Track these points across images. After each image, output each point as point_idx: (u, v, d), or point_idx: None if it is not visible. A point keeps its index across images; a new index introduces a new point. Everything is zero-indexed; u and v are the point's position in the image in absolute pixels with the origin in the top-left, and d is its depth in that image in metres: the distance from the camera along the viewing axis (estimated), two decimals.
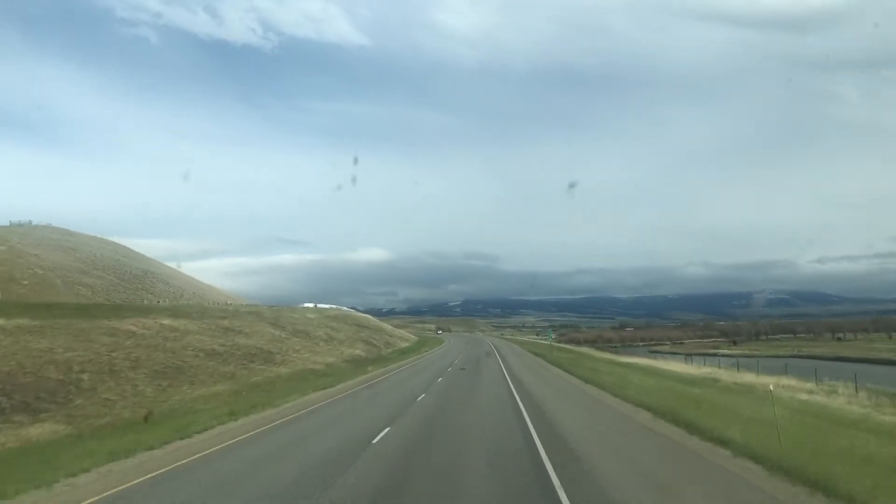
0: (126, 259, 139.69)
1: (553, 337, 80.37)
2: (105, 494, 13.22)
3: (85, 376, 35.94)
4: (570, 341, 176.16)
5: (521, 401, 26.82)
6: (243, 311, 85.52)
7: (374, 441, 18.10)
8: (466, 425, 20.72)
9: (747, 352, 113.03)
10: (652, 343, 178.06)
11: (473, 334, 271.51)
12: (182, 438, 20.41)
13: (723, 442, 16.04)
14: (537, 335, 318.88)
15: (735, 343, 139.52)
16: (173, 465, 16.00)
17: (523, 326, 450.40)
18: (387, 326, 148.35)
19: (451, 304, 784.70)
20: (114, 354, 41.39)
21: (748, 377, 42.38)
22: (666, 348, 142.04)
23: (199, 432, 21.71)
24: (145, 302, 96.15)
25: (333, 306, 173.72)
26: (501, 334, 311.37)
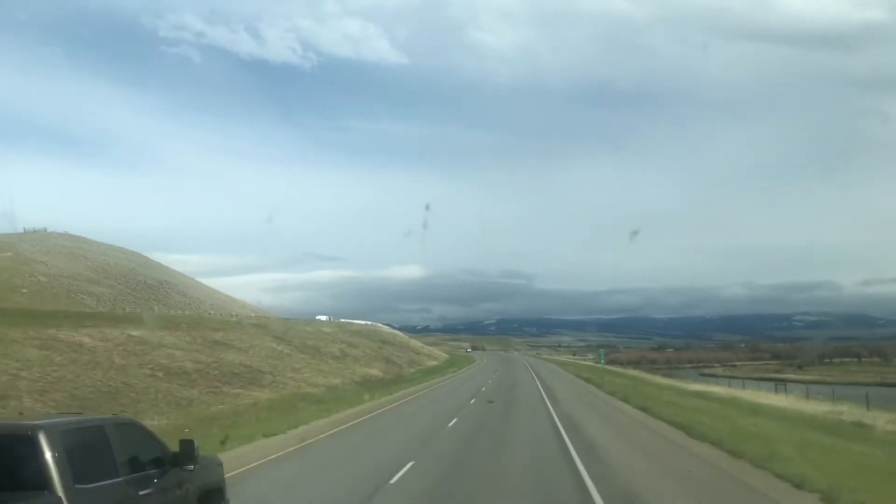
0: (142, 269, 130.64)
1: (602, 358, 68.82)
2: None
3: None
4: (612, 362, 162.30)
5: (592, 477, 14.66)
6: (248, 323, 74.65)
7: None
8: None
9: (818, 378, 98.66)
10: (700, 365, 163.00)
11: (509, 353, 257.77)
12: None
13: None
14: (574, 355, 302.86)
15: (801, 367, 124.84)
16: None
17: (559, 346, 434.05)
18: (415, 343, 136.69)
19: (486, 322, 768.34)
20: (23, 374, 30.38)
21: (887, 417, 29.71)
22: (719, 371, 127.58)
23: None
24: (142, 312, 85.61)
25: (367, 322, 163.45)
26: (537, 353, 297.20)
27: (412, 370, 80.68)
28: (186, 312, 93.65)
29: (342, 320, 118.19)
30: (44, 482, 5.85)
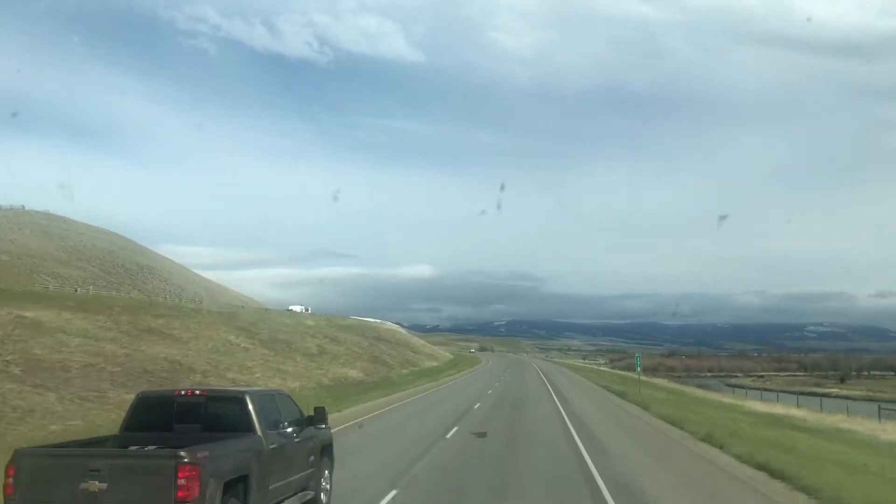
0: (123, 252, 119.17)
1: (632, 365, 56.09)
2: None
3: None
4: (627, 368, 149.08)
5: None
6: (209, 311, 62.62)
7: None
8: None
9: (867, 393, 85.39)
10: (721, 374, 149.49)
11: (518, 356, 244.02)
12: None
13: None
14: (584, 359, 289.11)
15: (843, 381, 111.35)
16: None
17: (569, 349, 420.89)
18: (417, 342, 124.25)
19: (495, 323, 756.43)
20: None
21: None
22: (747, 382, 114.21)
23: None
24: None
25: (376, 320, 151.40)
26: (546, 356, 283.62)
27: (404, 372, 68.27)
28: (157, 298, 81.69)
29: (354, 316, 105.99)
30: (250, 426, 9.57)
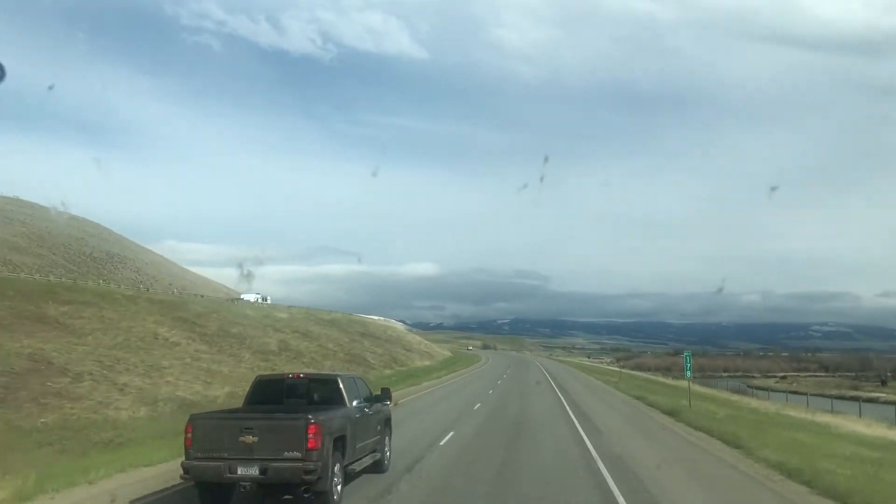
0: (93, 240, 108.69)
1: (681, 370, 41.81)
2: None
3: None
4: (637, 368, 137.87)
5: None
6: (151, 299, 52.06)
7: None
8: None
9: None
10: (738, 375, 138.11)
11: (521, 354, 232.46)
12: None
13: None
14: (588, 358, 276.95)
15: (884, 383, 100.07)
16: None
17: (573, 348, 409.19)
18: (412, 339, 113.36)
19: (499, 321, 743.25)
20: None
21: None
22: (772, 384, 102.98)
23: None
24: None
25: (380, 318, 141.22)
26: (550, 355, 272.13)
27: (387, 373, 57.50)
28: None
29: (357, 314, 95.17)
30: (342, 401, 12.63)
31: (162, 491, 12.37)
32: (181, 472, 10.57)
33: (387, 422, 15.09)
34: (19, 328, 29.72)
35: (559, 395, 41.57)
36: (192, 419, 10.81)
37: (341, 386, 12.92)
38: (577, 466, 15.66)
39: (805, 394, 74.74)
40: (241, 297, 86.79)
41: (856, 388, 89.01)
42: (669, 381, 73.25)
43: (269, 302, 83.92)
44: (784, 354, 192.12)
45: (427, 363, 79.23)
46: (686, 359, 32.97)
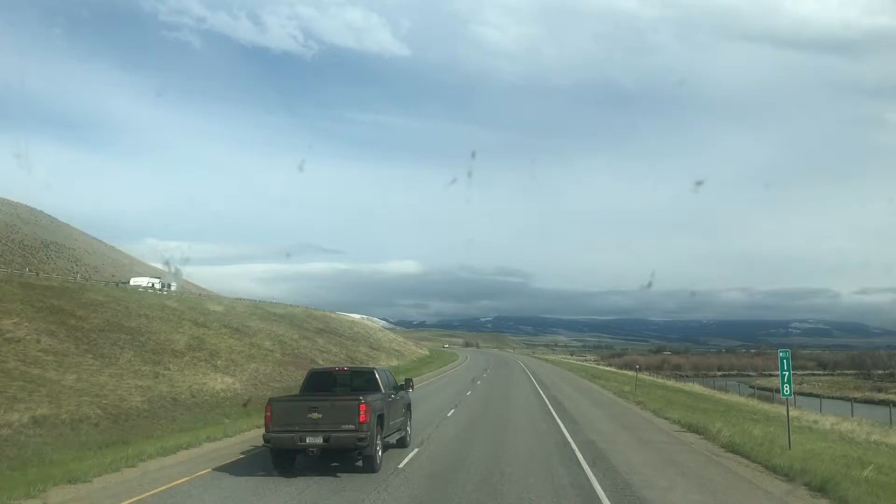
0: (28, 227, 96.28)
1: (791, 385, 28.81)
2: None
3: None
4: (628, 366, 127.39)
5: None
6: (27, 282, 40.57)
7: None
8: None
9: None
10: (733, 373, 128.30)
11: (503, 352, 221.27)
12: None
13: None
14: (571, 355, 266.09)
15: None
16: None
17: (556, 345, 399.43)
18: (382, 336, 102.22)
19: (482, 319, 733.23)
20: None
21: None
22: (777, 384, 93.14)
23: None
24: None
25: (364, 316, 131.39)
26: (533, 352, 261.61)
27: None
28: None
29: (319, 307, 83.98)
30: (378, 388, 15.59)
31: None
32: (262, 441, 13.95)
33: (408, 406, 18.34)
34: None
35: (550, 409, 28.98)
36: (271, 401, 14.15)
37: (377, 377, 16.23)
38: None
39: (816, 395, 64.90)
40: (130, 282, 72.01)
41: (880, 390, 78.77)
42: (697, 388, 60.02)
43: (172, 289, 71.43)
44: (801, 352, 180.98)
45: (395, 363, 68.17)
46: (783, 363, 19.96)
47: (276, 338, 51.05)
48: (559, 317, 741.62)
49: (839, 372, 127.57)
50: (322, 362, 50.10)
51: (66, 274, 77.75)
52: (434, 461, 15.58)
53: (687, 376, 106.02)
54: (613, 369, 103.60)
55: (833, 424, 29.56)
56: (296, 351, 49.56)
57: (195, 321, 44.85)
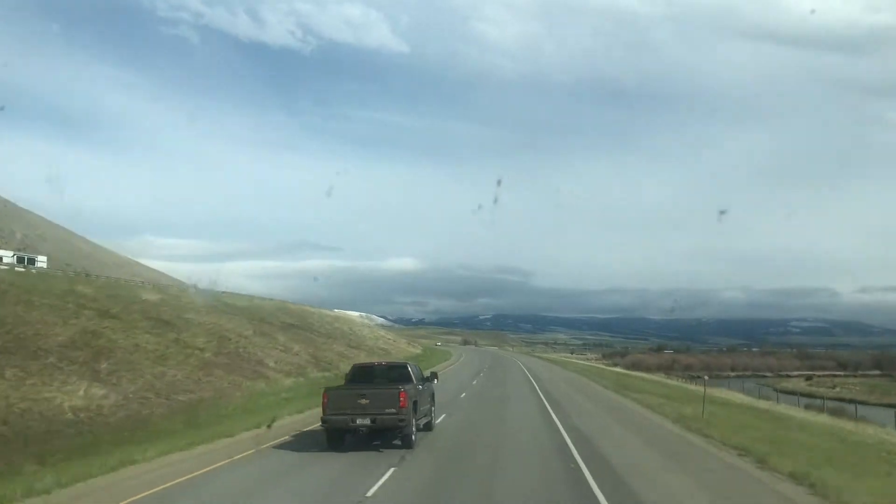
0: None
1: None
2: None
3: None
4: (633, 366, 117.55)
5: None
6: None
7: None
8: None
9: None
10: (748, 374, 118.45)
11: (501, 350, 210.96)
12: None
13: None
14: (572, 353, 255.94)
15: None
16: None
17: (555, 343, 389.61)
18: (366, 334, 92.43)
19: (481, 317, 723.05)
20: None
21: None
22: (804, 387, 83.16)
23: None
24: None
25: (360, 313, 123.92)
26: (532, 350, 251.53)
27: (288, 383, 36.49)
28: None
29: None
30: (410, 379, 18.37)
31: None
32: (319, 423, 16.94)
33: (433, 395, 21.08)
34: None
35: (572, 453, 15.98)
36: (328, 390, 17.09)
37: (409, 370, 19.18)
38: None
39: (861, 402, 55.10)
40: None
41: None
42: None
43: (36, 265, 60.36)
44: (801, 351, 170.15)
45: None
46: None
47: (218, 333, 41.11)
48: (558, 315, 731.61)
49: (861, 373, 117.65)
50: (272, 364, 40.17)
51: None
52: None
53: (696, 376, 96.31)
54: (625, 371, 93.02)
55: None
56: (239, 350, 39.60)
57: (105, 312, 34.95)
